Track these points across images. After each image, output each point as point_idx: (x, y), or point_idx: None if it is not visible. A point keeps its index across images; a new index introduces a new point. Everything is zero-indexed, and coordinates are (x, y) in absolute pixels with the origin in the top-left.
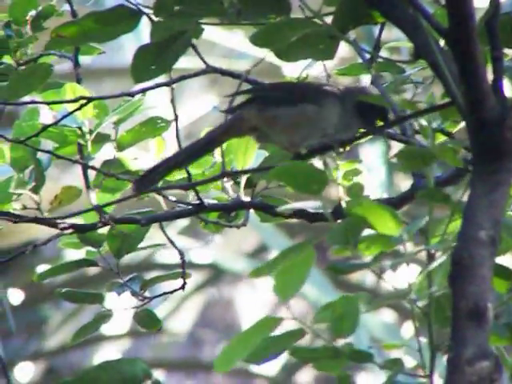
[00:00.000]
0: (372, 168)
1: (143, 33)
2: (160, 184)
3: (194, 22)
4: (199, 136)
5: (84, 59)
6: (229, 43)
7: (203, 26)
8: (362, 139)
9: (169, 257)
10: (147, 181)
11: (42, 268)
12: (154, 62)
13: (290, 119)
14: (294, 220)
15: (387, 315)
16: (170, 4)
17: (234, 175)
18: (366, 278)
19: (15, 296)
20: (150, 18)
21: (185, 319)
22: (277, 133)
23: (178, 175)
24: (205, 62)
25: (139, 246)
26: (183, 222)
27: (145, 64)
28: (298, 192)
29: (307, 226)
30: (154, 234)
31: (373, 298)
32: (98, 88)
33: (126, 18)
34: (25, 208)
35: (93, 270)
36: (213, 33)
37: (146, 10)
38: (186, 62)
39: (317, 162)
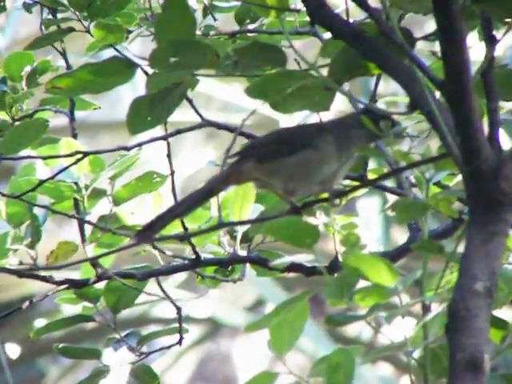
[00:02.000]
0: (369, 221)
1: (141, 86)
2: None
3: (189, 73)
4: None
5: (79, 113)
6: (226, 96)
7: (199, 78)
8: (356, 192)
9: (166, 311)
10: (149, 232)
11: (39, 323)
12: (149, 113)
13: (290, 169)
14: (291, 273)
15: (384, 369)
16: (166, 56)
17: (231, 226)
18: (363, 331)
19: (13, 350)
20: (144, 71)
21: (183, 373)
22: (278, 182)
23: (174, 230)
24: (200, 116)
25: (136, 300)
26: (181, 276)
27: (140, 116)
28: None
29: (304, 279)
30: (151, 288)
31: (369, 351)
32: (94, 142)
33: (121, 70)
34: (21, 263)
35: (90, 325)
36: (210, 86)
37: (142, 62)
38: (183, 115)
39: (316, 215)
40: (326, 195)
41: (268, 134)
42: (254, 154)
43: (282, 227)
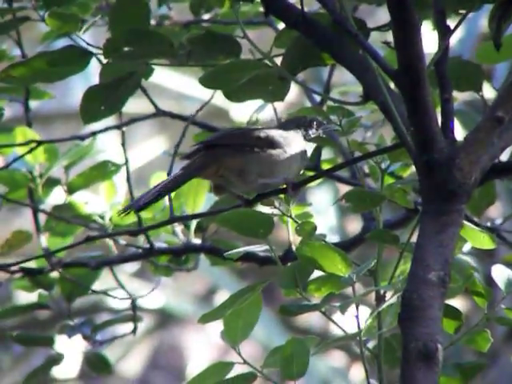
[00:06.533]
0: (321, 211)
1: (92, 76)
2: (110, 229)
3: (143, 63)
4: (148, 180)
5: (33, 103)
6: (178, 87)
7: (153, 67)
8: (312, 182)
9: (119, 301)
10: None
11: None
12: (103, 103)
13: (258, 165)
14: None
15: (337, 358)
16: (120, 45)
17: (182, 220)
18: (315, 320)
19: None
20: (98, 60)
21: (135, 363)
22: (250, 175)
23: (129, 219)
24: (155, 106)
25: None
26: (135, 265)
27: (94, 105)
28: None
29: (257, 267)
30: (105, 277)
31: (322, 341)
32: (47, 132)
33: (76, 59)
34: None
35: (44, 313)
36: (162, 76)
37: (96, 51)
38: (136, 105)
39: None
40: (282, 186)
41: (232, 131)
42: (221, 149)
43: (236, 219)
